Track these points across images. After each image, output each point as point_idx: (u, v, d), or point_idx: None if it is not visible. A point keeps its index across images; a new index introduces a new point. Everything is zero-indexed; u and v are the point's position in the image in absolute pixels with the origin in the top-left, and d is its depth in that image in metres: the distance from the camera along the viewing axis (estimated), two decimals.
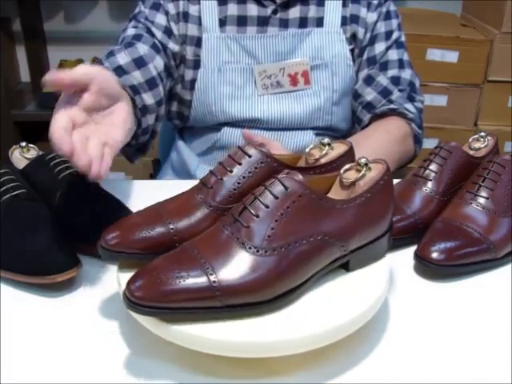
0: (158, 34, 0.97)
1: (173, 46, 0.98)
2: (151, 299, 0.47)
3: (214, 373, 0.53)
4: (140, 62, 0.89)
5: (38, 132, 2.05)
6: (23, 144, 0.80)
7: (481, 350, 0.56)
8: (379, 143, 0.93)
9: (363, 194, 0.55)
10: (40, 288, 0.63)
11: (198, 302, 0.48)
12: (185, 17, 0.99)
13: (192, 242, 0.53)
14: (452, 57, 1.75)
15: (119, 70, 0.86)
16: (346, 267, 0.57)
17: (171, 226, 0.56)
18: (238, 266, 0.49)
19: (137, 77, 0.88)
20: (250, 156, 0.59)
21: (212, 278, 0.48)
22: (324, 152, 0.63)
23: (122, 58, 0.88)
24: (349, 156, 0.63)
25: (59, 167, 0.74)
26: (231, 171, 0.59)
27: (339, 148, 0.64)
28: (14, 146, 0.81)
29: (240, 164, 0.59)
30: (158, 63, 0.93)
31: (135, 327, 0.54)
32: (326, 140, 0.64)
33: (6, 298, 0.63)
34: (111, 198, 0.74)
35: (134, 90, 0.85)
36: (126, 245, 0.56)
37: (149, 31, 0.96)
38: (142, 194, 0.85)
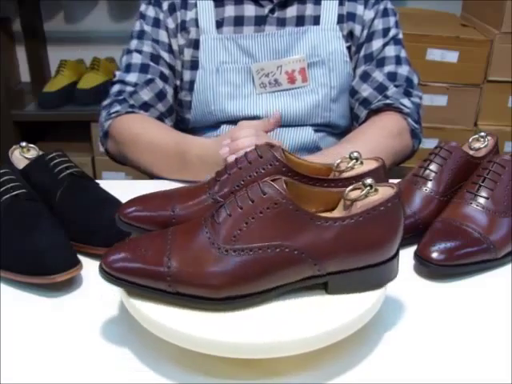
0: (166, 55, 1.03)
1: (179, 65, 1.04)
2: (114, 269, 0.51)
3: (215, 373, 0.53)
4: (161, 95, 1.02)
5: (37, 132, 2.06)
6: (23, 144, 0.80)
7: (481, 349, 0.56)
8: (375, 138, 0.94)
9: (353, 217, 0.51)
10: (40, 288, 0.63)
11: (150, 282, 0.50)
12: (182, 26, 1.02)
13: (176, 227, 0.55)
14: (452, 57, 1.75)
15: (145, 106, 1.01)
16: (326, 289, 0.54)
17: (173, 210, 0.60)
18: (195, 259, 0.50)
19: (160, 108, 1.03)
20: (261, 157, 0.59)
21: (168, 262, 0.50)
22: (350, 165, 0.60)
23: (146, 95, 1.01)
24: (375, 175, 0.58)
25: (59, 167, 0.74)
26: (240, 168, 0.60)
27: (369, 165, 0.60)
28: (14, 146, 0.81)
29: (250, 163, 0.59)
30: (170, 90, 1.04)
31: (135, 327, 0.54)
32: (356, 154, 0.60)
33: (6, 298, 0.63)
34: (111, 198, 0.74)
35: (160, 120, 1.02)
36: (136, 219, 0.61)
37: (154, 58, 1.02)
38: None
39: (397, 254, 0.55)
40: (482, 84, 1.78)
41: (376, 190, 0.54)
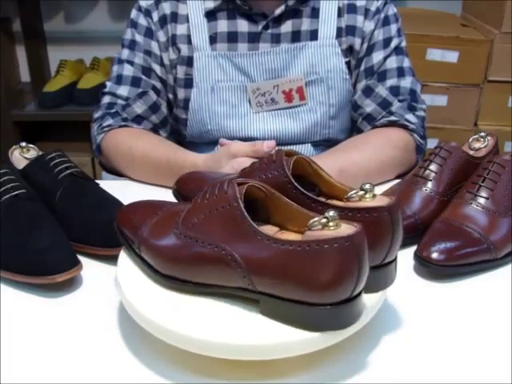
0: (158, 68, 1.00)
1: (170, 80, 1.02)
2: (118, 216, 0.60)
3: (214, 374, 0.53)
4: (154, 107, 1.01)
5: (37, 132, 2.06)
6: (23, 144, 0.80)
7: (481, 349, 0.56)
8: (380, 148, 0.92)
9: (293, 244, 0.47)
10: (40, 288, 0.63)
11: (130, 239, 0.58)
12: (173, 40, 0.98)
13: (175, 204, 0.61)
14: (452, 57, 1.75)
15: (138, 118, 0.99)
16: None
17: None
18: (160, 233, 0.55)
19: (153, 120, 1.01)
20: (274, 162, 0.59)
21: (142, 228, 0.57)
22: (359, 194, 0.55)
23: (139, 108, 0.99)
24: (375, 213, 0.52)
25: (59, 167, 0.74)
26: (256, 168, 0.61)
27: (378, 201, 0.54)
28: (14, 146, 0.81)
29: (265, 164, 0.60)
30: (163, 102, 1.02)
31: (134, 328, 0.54)
32: (368, 186, 0.54)
33: (6, 298, 0.63)
34: (111, 198, 0.74)
35: (155, 131, 1.01)
36: (183, 189, 0.72)
37: (145, 71, 1.00)
38: (142, 194, 0.85)
39: (349, 300, 0.48)
40: (482, 84, 1.78)
41: (337, 226, 0.49)
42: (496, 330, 0.59)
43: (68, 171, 0.74)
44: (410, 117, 0.98)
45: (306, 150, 1.01)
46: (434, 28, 1.79)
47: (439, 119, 1.81)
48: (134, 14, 1.01)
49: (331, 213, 0.48)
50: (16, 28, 2.07)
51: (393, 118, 0.97)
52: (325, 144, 1.03)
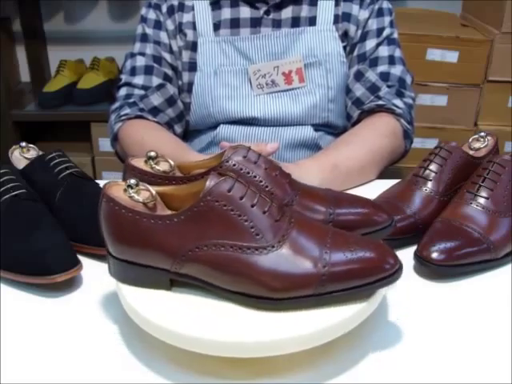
0: (167, 56, 1.04)
1: (180, 66, 1.05)
2: None
3: (211, 373, 0.53)
4: (171, 100, 1.04)
5: (37, 132, 2.06)
6: (23, 144, 0.80)
7: (481, 349, 0.56)
8: (369, 139, 0.94)
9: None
10: (40, 288, 0.63)
11: None
12: (180, 28, 1.03)
13: None
14: (452, 57, 1.75)
15: (155, 110, 1.02)
16: None
17: None
18: None
19: (169, 113, 1.04)
20: None
21: None
22: None
23: (156, 99, 1.02)
24: None
25: (59, 167, 0.74)
26: None
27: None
28: (14, 146, 0.81)
29: None
30: (176, 91, 1.05)
31: (134, 328, 0.54)
32: (133, 181, 0.55)
33: (6, 298, 0.63)
34: None
35: (169, 125, 1.04)
36: None
37: (156, 59, 1.03)
38: None
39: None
40: (482, 84, 1.78)
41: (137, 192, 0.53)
42: (496, 329, 0.59)
43: (68, 171, 0.74)
44: (398, 102, 1.00)
45: (307, 131, 1.04)
46: (434, 28, 1.79)
47: (439, 119, 1.81)
48: (143, 10, 1.07)
49: (132, 181, 0.53)
50: (16, 28, 2.07)
51: (380, 102, 1.00)
52: (326, 130, 1.06)
